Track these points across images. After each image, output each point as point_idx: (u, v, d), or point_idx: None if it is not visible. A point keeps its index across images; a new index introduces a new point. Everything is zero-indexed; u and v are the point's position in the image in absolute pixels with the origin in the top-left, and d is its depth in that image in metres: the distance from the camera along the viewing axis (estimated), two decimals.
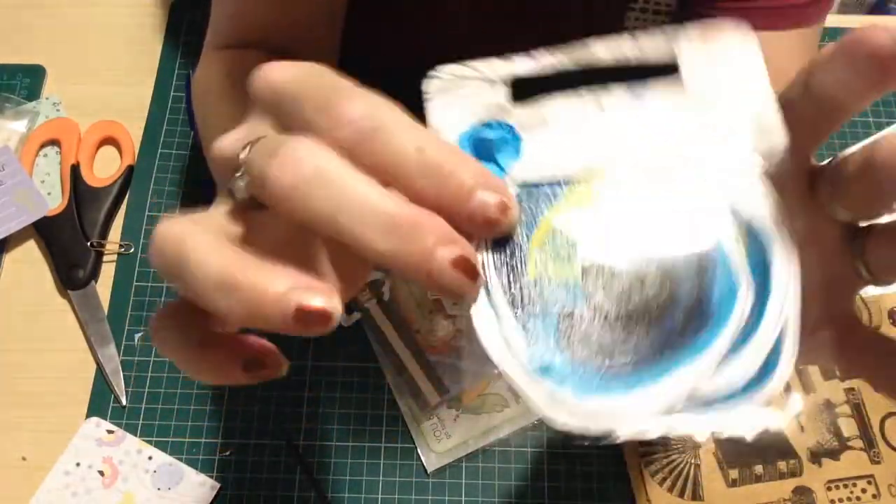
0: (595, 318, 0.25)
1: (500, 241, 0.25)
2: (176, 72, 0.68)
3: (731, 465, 0.54)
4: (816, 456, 0.54)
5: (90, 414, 0.57)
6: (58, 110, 0.67)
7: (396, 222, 0.22)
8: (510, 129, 0.27)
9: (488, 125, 0.27)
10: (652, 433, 0.24)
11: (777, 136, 0.25)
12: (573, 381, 0.24)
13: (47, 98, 0.67)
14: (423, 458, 0.55)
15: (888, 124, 0.67)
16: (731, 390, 0.24)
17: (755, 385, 0.24)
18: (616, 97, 0.26)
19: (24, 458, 0.56)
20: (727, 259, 0.25)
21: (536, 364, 0.24)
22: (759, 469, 0.54)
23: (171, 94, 0.67)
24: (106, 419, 0.56)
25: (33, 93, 0.67)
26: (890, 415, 0.55)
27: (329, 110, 0.23)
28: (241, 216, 0.25)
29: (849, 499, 0.53)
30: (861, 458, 0.54)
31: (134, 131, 0.66)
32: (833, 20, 0.72)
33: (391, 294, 0.60)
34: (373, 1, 0.56)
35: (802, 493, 0.53)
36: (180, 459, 0.55)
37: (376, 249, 0.22)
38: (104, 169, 0.65)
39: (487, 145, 0.27)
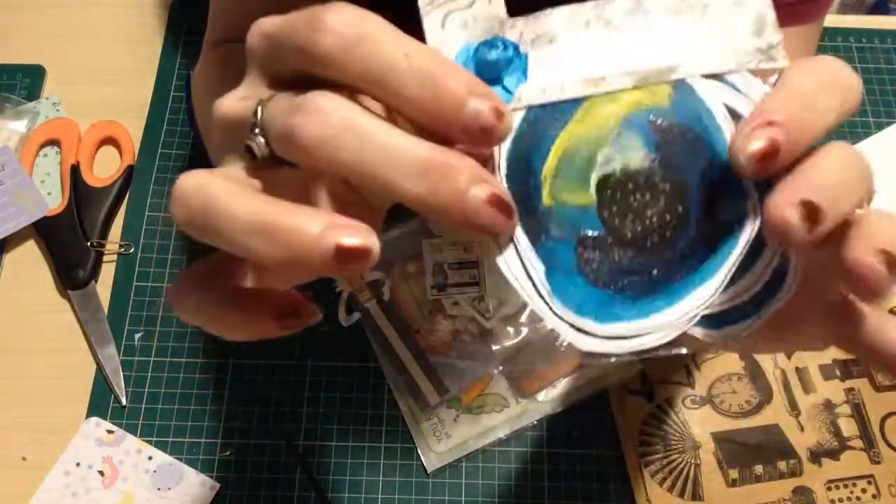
0: (612, 240, 0.25)
1: (514, 170, 0.25)
2: (176, 72, 0.68)
3: (731, 465, 0.54)
4: (816, 456, 0.54)
5: (90, 414, 0.57)
6: (58, 110, 0.67)
7: (428, 165, 0.22)
8: (515, 47, 0.25)
9: (491, 43, 0.25)
10: (669, 347, 0.25)
11: (775, 36, 0.26)
12: (595, 307, 0.25)
13: (47, 98, 0.67)
14: (423, 458, 0.55)
15: (888, 124, 0.67)
16: (742, 305, 0.25)
17: (765, 299, 0.25)
18: (619, 9, 0.26)
19: (24, 458, 0.56)
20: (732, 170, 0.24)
21: (559, 292, 0.25)
22: (758, 469, 0.54)
23: (171, 94, 0.67)
24: (106, 419, 0.56)
25: (33, 93, 0.67)
26: (890, 415, 0.55)
27: (313, 24, 0.23)
28: (256, 174, 0.25)
29: (849, 499, 0.53)
30: (861, 458, 0.54)
31: (134, 131, 0.66)
32: (833, 20, 0.73)
33: (391, 294, 0.60)
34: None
35: (802, 493, 0.53)
36: (180, 459, 0.55)
37: (410, 193, 0.22)
38: (104, 169, 0.65)
39: (492, 66, 0.25)
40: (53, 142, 0.65)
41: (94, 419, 0.56)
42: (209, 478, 0.55)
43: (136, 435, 0.56)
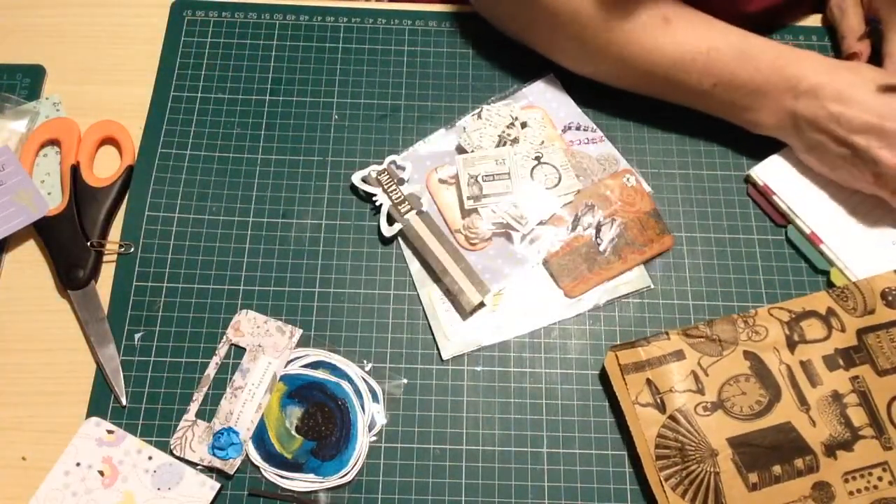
0: (317, 447, 0.56)
1: (258, 450, 0.56)
2: (176, 72, 0.68)
3: (749, 468, 0.53)
4: (830, 449, 0.54)
5: (90, 414, 0.57)
6: (58, 110, 0.67)
7: None
8: (237, 434, 0.55)
9: (228, 430, 0.55)
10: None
11: None
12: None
13: (47, 98, 0.67)
14: (439, 346, 0.58)
15: None
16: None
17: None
18: None
19: (24, 458, 0.56)
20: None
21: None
22: (777, 469, 0.53)
23: (171, 94, 0.67)
24: (106, 419, 0.56)
25: (33, 93, 0.67)
26: (895, 399, 0.55)
27: None
28: None
29: (866, 488, 0.53)
30: (873, 445, 0.54)
31: (134, 131, 0.66)
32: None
33: (432, 200, 0.64)
34: None
35: (822, 488, 0.53)
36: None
37: None
38: (104, 169, 0.65)
39: (223, 444, 0.55)
40: (53, 142, 0.65)
41: (94, 419, 0.56)
42: (209, 478, 0.55)
43: (136, 435, 0.56)
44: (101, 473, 0.55)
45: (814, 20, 0.71)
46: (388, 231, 0.62)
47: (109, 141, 0.66)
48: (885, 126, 0.55)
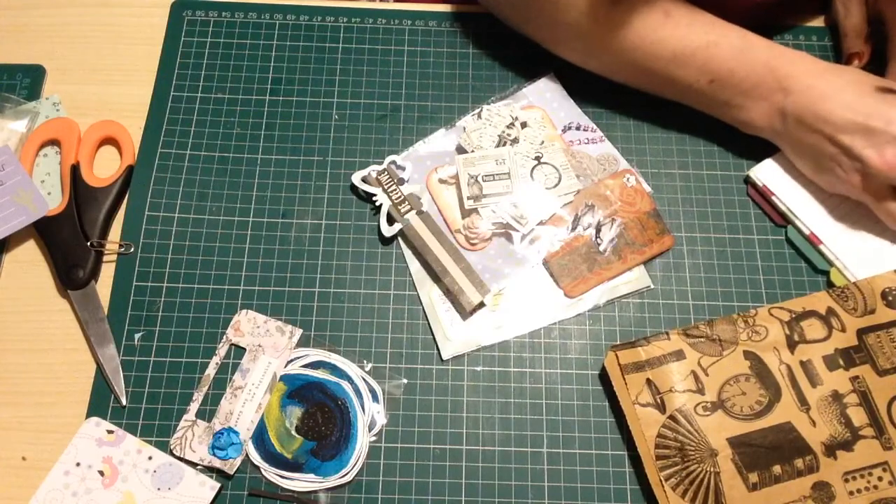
0: (317, 447, 0.56)
1: (258, 450, 0.56)
2: (176, 72, 0.68)
3: (749, 468, 0.53)
4: (831, 449, 0.54)
5: (90, 414, 0.57)
6: (58, 110, 0.67)
7: None
8: (237, 434, 0.55)
9: (228, 430, 0.55)
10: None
11: None
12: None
13: (47, 98, 0.67)
14: (439, 346, 0.57)
15: None
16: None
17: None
18: None
19: (24, 458, 0.56)
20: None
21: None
22: (777, 469, 0.53)
23: (171, 93, 0.67)
24: (106, 419, 0.56)
25: (33, 93, 0.67)
26: (895, 399, 0.55)
27: None
28: None
29: (866, 488, 0.53)
30: (873, 445, 0.54)
31: (134, 131, 0.66)
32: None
33: (433, 200, 0.63)
34: None
35: (822, 488, 0.53)
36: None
37: None
38: (104, 169, 0.65)
39: (223, 444, 0.55)
40: (53, 142, 0.65)
41: (94, 419, 0.56)
42: (209, 478, 0.55)
43: (136, 435, 0.56)
44: (101, 473, 0.55)
45: (815, 20, 0.71)
46: (388, 231, 0.62)
47: (109, 141, 0.66)
48: (871, 125, 0.55)
